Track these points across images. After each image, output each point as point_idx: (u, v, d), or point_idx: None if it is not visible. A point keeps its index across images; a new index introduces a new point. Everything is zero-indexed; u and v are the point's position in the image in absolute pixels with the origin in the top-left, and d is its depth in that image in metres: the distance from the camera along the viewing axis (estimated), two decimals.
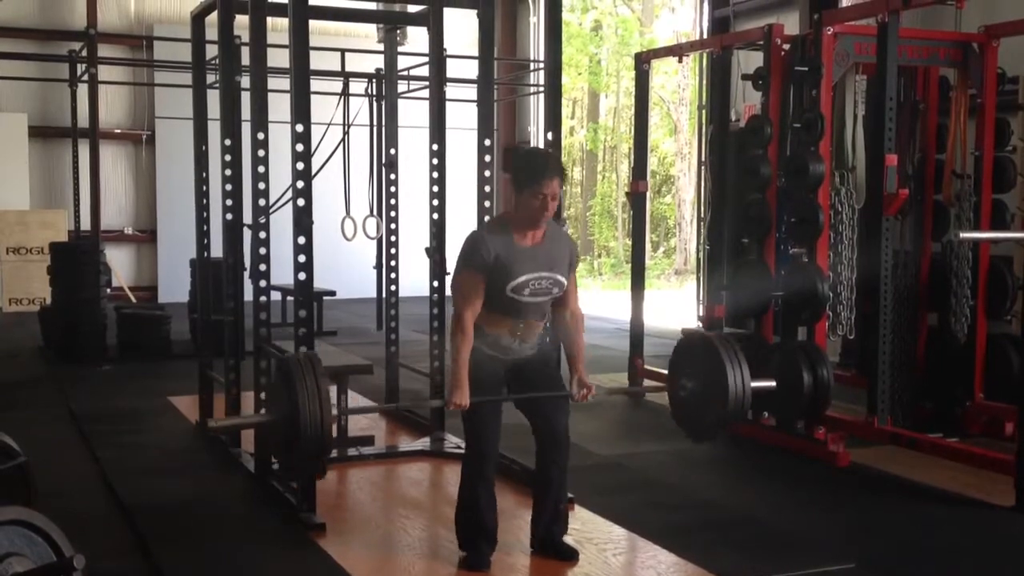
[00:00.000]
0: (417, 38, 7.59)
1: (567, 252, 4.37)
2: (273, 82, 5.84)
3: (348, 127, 8.21)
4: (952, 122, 7.00)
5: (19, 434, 4.57)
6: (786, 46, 6.87)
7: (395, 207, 7.50)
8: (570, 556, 4.50)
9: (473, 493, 4.39)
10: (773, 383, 4.76)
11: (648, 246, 20.77)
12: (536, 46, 16.99)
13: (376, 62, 9.38)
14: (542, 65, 5.60)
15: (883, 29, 6.21)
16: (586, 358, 4.53)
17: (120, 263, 15.79)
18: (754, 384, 4.46)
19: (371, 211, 8.21)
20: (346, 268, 13.01)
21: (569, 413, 4.47)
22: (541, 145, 5.44)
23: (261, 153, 5.67)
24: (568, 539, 4.59)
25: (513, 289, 4.23)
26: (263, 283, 5.79)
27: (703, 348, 4.55)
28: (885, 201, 6.23)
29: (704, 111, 10.41)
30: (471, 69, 6.63)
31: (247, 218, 6.06)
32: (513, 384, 4.44)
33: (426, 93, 7.15)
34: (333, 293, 11.00)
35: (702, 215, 10.25)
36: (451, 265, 6.50)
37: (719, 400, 4.40)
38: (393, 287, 7.50)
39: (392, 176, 7.46)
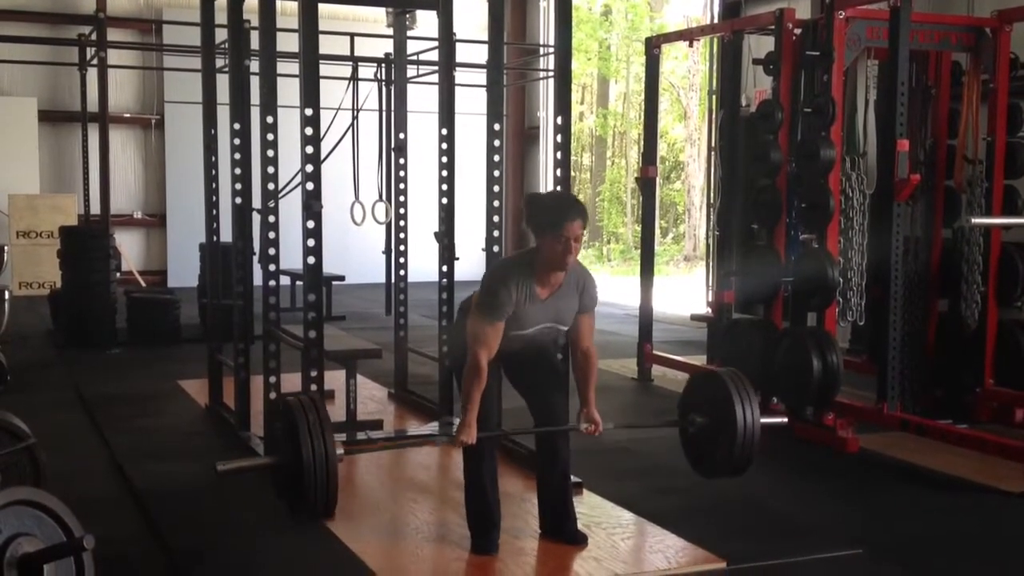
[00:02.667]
0: (426, 22, 7.55)
1: (578, 299, 4.36)
2: (282, 66, 5.83)
3: (357, 112, 8.21)
4: (964, 107, 6.96)
5: (29, 417, 4.59)
6: (797, 31, 6.84)
7: (404, 192, 7.49)
8: (579, 540, 4.50)
9: (478, 480, 4.41)
10: (785, 420, 4.84)
11: (657, 232, 20.73)
12: (546, 31, 16.95)
13: (385, 46, 9.35)
14: (552, 50, 5.58)
15: (895, 13, 6.17)
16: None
17: (129, 247, 15.81)
18: (764, 420, 4.57)
19: (380, 196, 8.22)
20: (355, 253, 13.03)
21: (567, 394, 4.50)
22: (550, 129, 5.42)
23: (270, 137, 5.65)
24: (576, 523, 4.59)
25: (516, 335, 4.30)
26: (272, 267, 5.78)
27: (714, 385, 4.64)
28: (896, 187, 6.20)
29: (714, 96, 10.36)
30: (481, 54, 6.61)
31: (256, 202, 6.05)
32: (510, 370, 4.49)
33: (435, 78, 7.13)
34: (342, 278, 11.00)
35: (712, 201, 10.22)
36: (460, 250, 6.55)
37: (728, 437, 4.51)
38: (402, 272, 7.51)
39: (401, 161, 7.45)
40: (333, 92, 7.33)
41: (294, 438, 3.98)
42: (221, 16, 6.58)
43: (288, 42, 5.63)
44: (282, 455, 4.11)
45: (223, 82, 6.67)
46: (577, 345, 4.45)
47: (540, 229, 4.18)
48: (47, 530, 3.02)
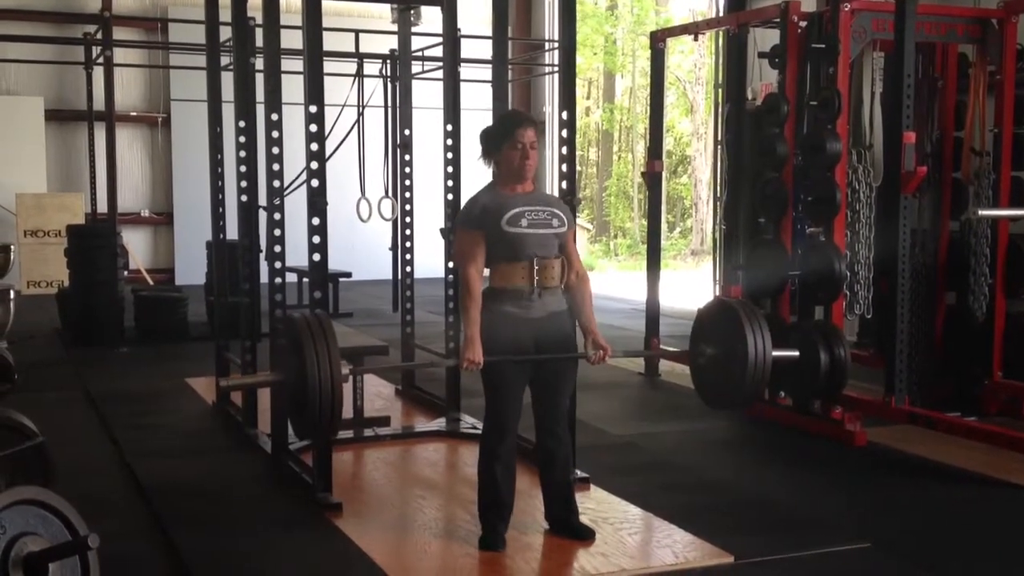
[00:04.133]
0: (431, 18, 7.55)
1: (559, 207, 4.36)
2: (287, 63, 5.84)
3: (362, 108, 8.21)
4: (971, 99, 6.94)
5: (37, 415, 4.60)
6: (803, 23, 6.81)
7: (410, 188, 7.49)
8: (586, 535, 4.49)
9: (489, 469, 4.38)
10: (796, 353, 4.71)
11: (664, 226, 20.71)
12: (551, 26, 16.94)
13: (390, 43, 9.36)
14: (557, 45, 5.57)
15: (901, 5, 6.15)
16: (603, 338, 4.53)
17: (137, 245, 15.84)
18: (776, 353, 4.43)
19: (386, 192, 8.22)
20: (362, 249, 13.03)
21: (574, 387, 4.48)
22: (556, 124, 5.42)
23: (275, 135, 5.66)
24: (583, 519, 4.59)
25: (509, 221, 4.21)
26: (278, 265, 5.79)
27: (725, 315, 4.52)
28: (903, 179, 6.18)
29: (720, 90, 10.36)
30: (485, 49, 6.60)
31: (262, 200, 6.06)
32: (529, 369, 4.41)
33: (440, 74, 7.13)
34: (349, 275, 11.02)
35: (718, 195, 10.21)
36: None
37: (739, 367, 4.37)
38: (408, 268, 7.51)
39: (407, 157, 7.45)
40: (338, 89, 7.33)
41: (299, 354, 3.93)
42: (226, 14, 6.58)
43: (292, 39, 5.64)
44: (286, 372, 4.07)
45: (228, 80, 6.68)
46: (568, 269, 4.39)
47: (496, 148, 4.29)
48: (52, 529, 3.02)
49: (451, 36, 6.61)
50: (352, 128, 7.55)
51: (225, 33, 7.10)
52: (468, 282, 4.22)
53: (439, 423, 6.58)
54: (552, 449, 4.47)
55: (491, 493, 4.41)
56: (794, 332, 6.67)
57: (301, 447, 5.53)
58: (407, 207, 7.51)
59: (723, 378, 4.52)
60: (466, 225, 4.30)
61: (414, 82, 7.73)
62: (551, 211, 4.30)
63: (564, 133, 5.45)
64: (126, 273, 11.21)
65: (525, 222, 4.23)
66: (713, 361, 4.56)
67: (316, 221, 5.10)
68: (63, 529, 3.04)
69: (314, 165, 5.11)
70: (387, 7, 8.04)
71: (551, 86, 16.76)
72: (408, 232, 7.53)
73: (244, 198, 6.38)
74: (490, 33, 6.20)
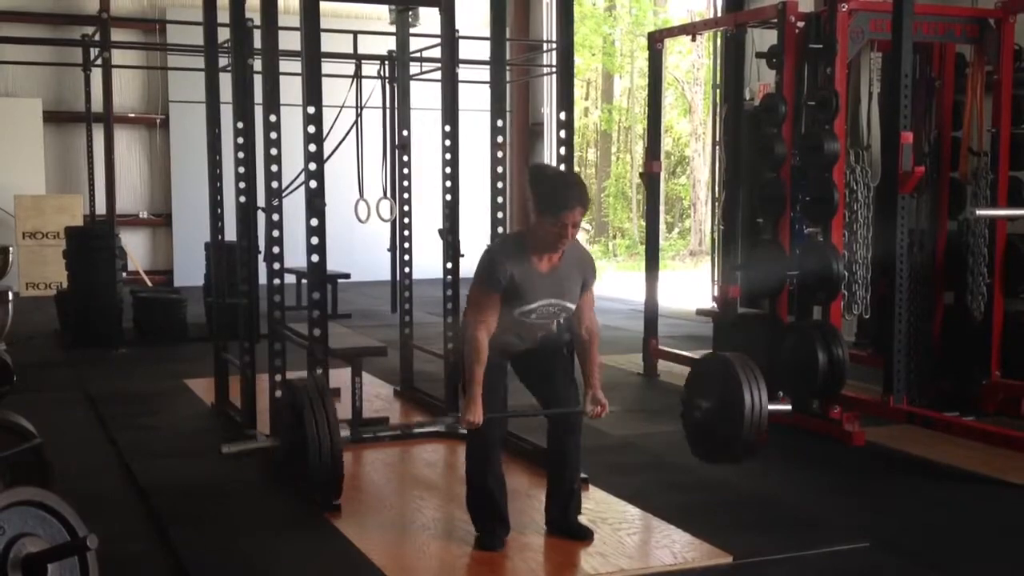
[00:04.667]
0: (429, 19, 7.55)
1: (580, 276, 4.34)
2: (285, 65, 5.83)
3: (360, 109, 8.21)
4: (968, 99, 6.94)
5: (36, 417, 4.60)
6: (800, 24, 6.82)
7: (408, 189, 7.49)
8: (585, 536, 4.50)
9: (481, 480, 4.42)
10: (789, 407, 4.80)
11: (662, 227, 20.71)
12: (549, 26, 16.94)
13: (388, 44, 9.35)
14: (555, 46, 5.57)
15: (898, 5, 6.15)
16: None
17: (135, 247, 15.83)
18: (771, 407, 4.57)
19: (384, 193, 8.20)
20: (360, 250, 13.02)
21: (581, 393, 4.47)
22: (554, 125, 5.42)
23: (274, 136, 5.66)
24: (582, 519, 4.60)
25: (521, 313, 4.27)
26: (277, 266, 5.79)
27: (721, 369, 4.62)
28: (901, 179, 6.18)
29: (718, 90, 10.35)
30: (483, 50, 6.60)
31: (260, 201, 6.06)
32: (519, 366, 4.48)
33: (438, 75, 7.13)
34: (347, 276, 10.97)
35: (717, 195, 10.21)
36: (465, 247, 6.55)
37: (735, 421, 4.47)
38: (407, 269, 7.51)
39: (405, 158, 7.45)
40: (336, 90, 7.31)
41: (299, 419, 3.96)
42: (224, 15, 6.58)
43: (291, 40, 5.63)
44: (287, 437, 4.09)
45: (226, 81, 6.68)
46: (579, 322, 4.41)
47: (541, 208, 4.18)
48: (51, 530, 3.02)
49: (449, 37, 6.62)
50: (350, 129, 7.54)
51: (223, 34, 7.10)
52: (477, 343, 4.19)
53: (438, 424, 6.57)
54: (566, 456, 4.50)
55: (488, 502, 4.43)
56: (792, 332, 6.68)
57: None
58: (405, 208, 7.52)
59: (718, 432, 4.63)
60: (488, 285, 4.23)
61: (412, 83, 7.73)
62: (562, 305, 4.31)
63: (562, 134, 5.46)
64: (125, 275, 11.20)
65: (535, 315, 4.29)
66: (708, 415, 4.65)
67: (314, 222, 5.10)
68: (62, 530, 3.04)
69: (312, 166, 5.12)
70: (385, 8, 8.05)
71: (549, 87, 16.76)
72: (407, 233, 7.53)
73: (242, 199, 6.38)
74: (488, 34, 6.21)
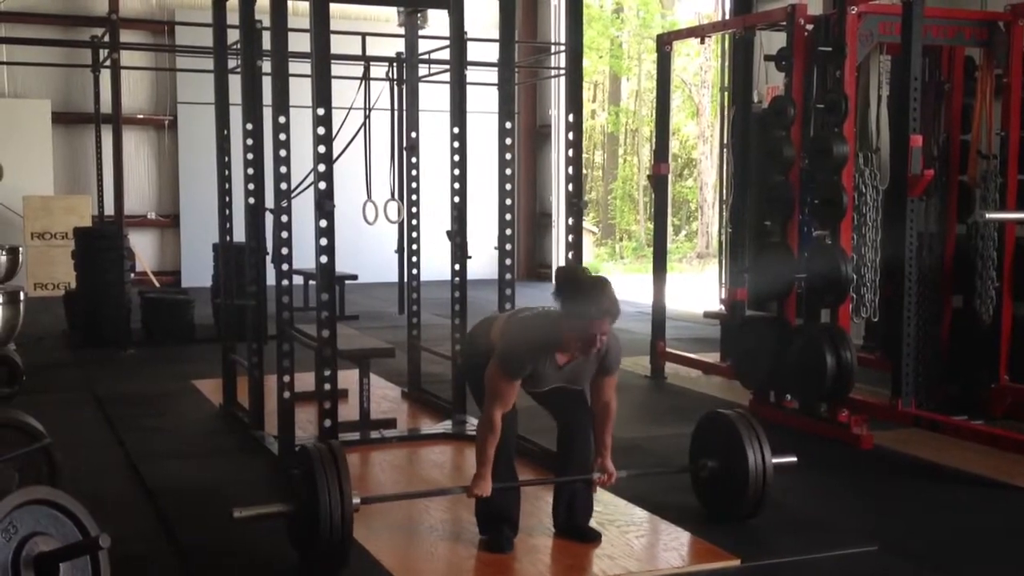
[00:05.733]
0: (437, 21, 7.55)
1: (595, 367, 4.34)
2: (294, 66, 5.84)
3: (369, 111, 8.22)
4: (978, 102, 6.94)
5: (44, 417, 4.62)
6: (809, 26, 6.81)
7: (416, 191, 7.49)
8: (593, 538, 4.51)
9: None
10: (794, 458, 4.88)
11: (670, 229, 20.67)
12: (557, 29, 16.93)
13: (397, 46, 9.35)
14: (563, 48, 5.58)
15: (908, 8, 6.14)
16: None
17: (143, 248, 15.86)
18: (775, 460, 4.68)
19: (392, 195, 8.20)
20: (368, 252, 13.01)
21: (589, 403, 4.51)
22: (562, 127, 5.42)
23: (282, 137, 5.67)
24: (590, 521, 4.60)
25: (530, 389, 4.39)
26: (285, 267, 5.80)
27: (724, 427, 4.75)
28: (910, 182, 6.17)
29: (726, 93, 10.33)
30: (492, 52, 6.62)
31: (269, 202, 6.07)
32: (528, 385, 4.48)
33: (447, 76, 7.14)
34: (355, 277, 10.98)
35: (724, 198, 10.20)
36: (472, 249, 6.56)
37: (739, 480, 4.61)
38: (415, 271, 7.51)
39: (413, 160, 7.46)
40: (345, 92, 7.31)
41: (311, 486, 4.01)
42: (233, 17, 6.59)
43: (300, 42, 5.64)
44: (298, 502, 4.13)
45: (235, 82, 6.69)
46: (598, 398, 4.44)
47: (568, 314, 4.11)
48: (63, 529, 3.03)
49: (458, 39, 6.62)
50: (358, 131, 7.55)
51: (232, 36, 7.12)
52: (493, 422, 4.21)
53: (445, 425, 6.58)
54: (568, 456, 4.53)
55: (496, 507, 4.43)
56: (800, 335, 6.67)
57: None
58: (413, 210, 7.52)
59: (726, 489, 4.73)
60: (510, 373, 4.20)
61: (421, 85, 7.74)
62: (570, 388, 4.40)
63: (570, 136, 5.46)
64: (133, 275, 11.22)
65: (547, 390, 4.38)
66: (714, 474, 4.77)
67: (323, 223, 5.10)
68: (74, 529, 3.06)
69: (321, 167, 5.12)
70: (394, 10, 8.05)
71: (557, 89, 16.75)
72: (414, 235, 7.54)
73: (251, 200, 6.39)
74: (497, 36, 6.21)
